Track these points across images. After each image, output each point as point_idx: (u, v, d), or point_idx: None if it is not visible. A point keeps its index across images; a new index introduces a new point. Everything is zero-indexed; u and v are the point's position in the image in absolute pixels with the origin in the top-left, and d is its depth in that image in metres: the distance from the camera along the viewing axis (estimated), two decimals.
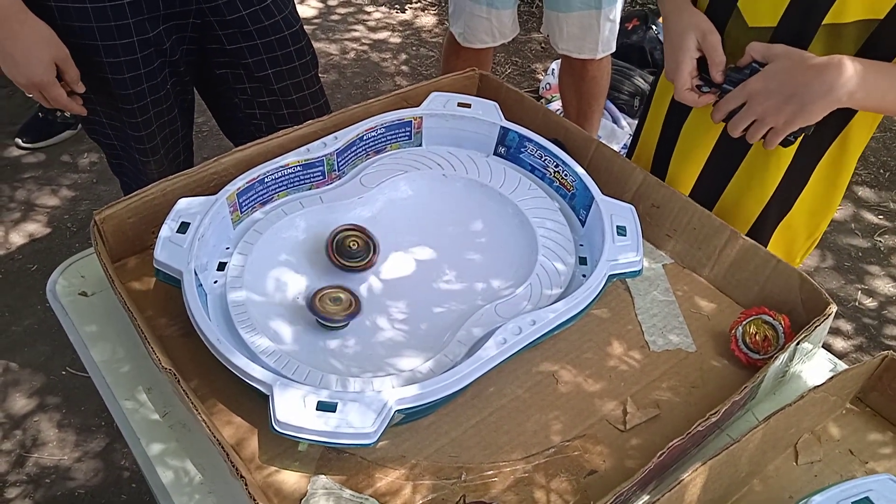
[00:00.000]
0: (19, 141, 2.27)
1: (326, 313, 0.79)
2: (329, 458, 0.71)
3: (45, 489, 1.49)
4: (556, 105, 2.35)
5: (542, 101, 2.51)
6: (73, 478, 1.52)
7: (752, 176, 0.96)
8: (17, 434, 1.58)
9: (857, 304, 2.00)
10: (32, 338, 1.77)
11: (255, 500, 0.61)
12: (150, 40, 1.08)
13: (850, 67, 0.77)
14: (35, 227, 2.05)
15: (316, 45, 2.76)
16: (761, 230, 1.00)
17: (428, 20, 3.04)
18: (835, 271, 2.10)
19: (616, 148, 2.24)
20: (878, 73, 0.78)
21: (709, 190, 1.01)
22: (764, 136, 0.84)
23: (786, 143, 0.84)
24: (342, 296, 0.81)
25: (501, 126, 0.98)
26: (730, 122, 0.85)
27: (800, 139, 0.86)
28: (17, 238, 2.01)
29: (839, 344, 1.90)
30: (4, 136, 2.32)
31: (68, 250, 0.83)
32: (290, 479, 0.70)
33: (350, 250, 0.85)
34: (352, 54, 2.83)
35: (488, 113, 0.99)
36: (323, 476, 0.70)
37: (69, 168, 2.24)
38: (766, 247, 0.92)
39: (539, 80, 2.65)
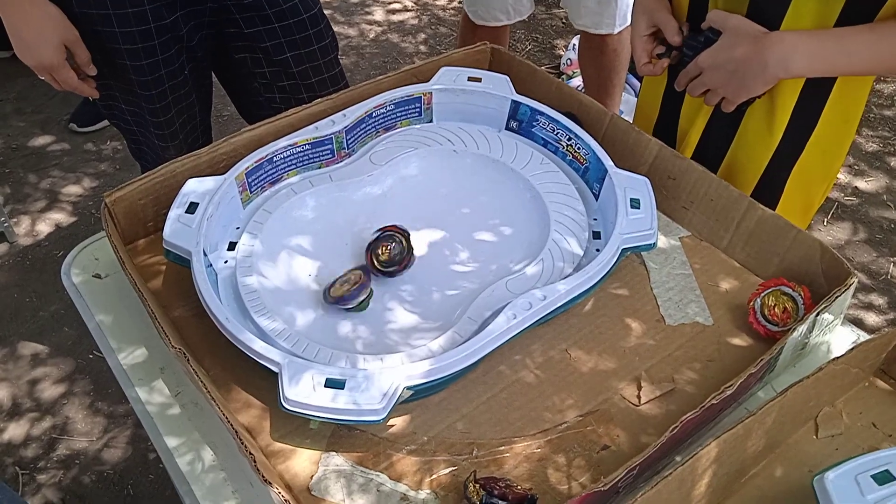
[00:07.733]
0: (74, 126, 2.33)
1: (340, 295, 0.79)
2: (340, 435, 0.71)
3: (75, 472, 1.52)
4: (578, 81, 2.32)
5: (563, 77, 2.47)
6: (102, 460, 1.54)
7: (760, 119, 0.95)
8: (47, 418, 1.61)
9: (889, 276, 1.95)
10: (59, 322, 1.80)
11: (263, 476, 0.61)
12: (167, 26, 1.08)
13: (788, 43, 0.81)
14: (60, 215, 2.08)
15: (335, 27, 2.74)
16: (776, 177, 0.98)
17: None
18: (867, 244, 2.04)
19: None
20: (823, 43, 0.81)
21: (719, 139, 1.00)
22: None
23: (744, 104, 0.90)
24: (351, 276, 0.81)
25: (513, 100, 0.96)
26: (688, 87, 0.92)
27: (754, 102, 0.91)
28: (44, 226, 2.04)
29: (871, 318, 1.85)
30: (30, 125, 2.35)
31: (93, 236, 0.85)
32: (301, 456, 0.70)
33: (387, 259, 0.83)
34: (371, 35, 2.81)
35: (499, 87, 0.98)
36: (334, 453, 0.70)
37: (93, 156, 2.26)
38: (782, 193, 0.97)
39: (560, 57, 2.61)
